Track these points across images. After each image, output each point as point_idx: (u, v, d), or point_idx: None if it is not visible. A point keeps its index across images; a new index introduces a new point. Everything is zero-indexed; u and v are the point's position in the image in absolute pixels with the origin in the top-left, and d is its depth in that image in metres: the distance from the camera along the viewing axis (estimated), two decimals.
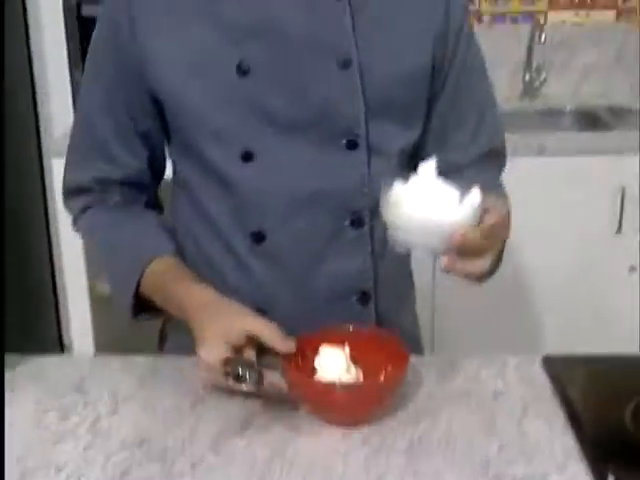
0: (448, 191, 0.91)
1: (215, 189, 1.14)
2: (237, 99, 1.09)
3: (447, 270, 0.94)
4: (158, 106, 1.15)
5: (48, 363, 1.16)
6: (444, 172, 1.16)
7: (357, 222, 1.13)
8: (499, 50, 2.62)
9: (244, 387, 0.95)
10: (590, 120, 2.49)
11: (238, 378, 0.94)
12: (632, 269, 2.24)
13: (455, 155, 1.18)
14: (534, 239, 2.15)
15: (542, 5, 2.61)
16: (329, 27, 1.10)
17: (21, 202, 2.40)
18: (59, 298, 2.58)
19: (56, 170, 2.10)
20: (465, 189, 0.91)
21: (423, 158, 1.16)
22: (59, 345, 2.62)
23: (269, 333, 0.99)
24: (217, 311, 1.03)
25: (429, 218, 0.90)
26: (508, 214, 0.98)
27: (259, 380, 0.94)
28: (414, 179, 0.92)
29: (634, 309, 2.22)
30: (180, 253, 1.17)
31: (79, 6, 2.17)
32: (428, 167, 0.92)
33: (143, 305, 1.14)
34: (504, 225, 0.96)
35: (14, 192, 2.27)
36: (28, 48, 2.53)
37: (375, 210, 1.04)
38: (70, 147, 1.23)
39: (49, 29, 2.30)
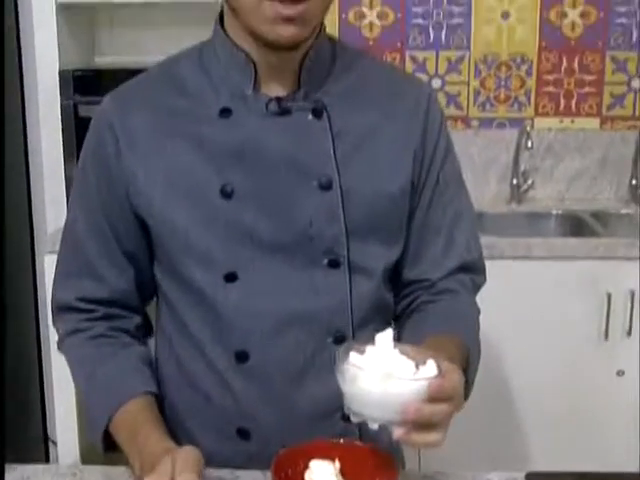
0: (404, 363, 0.92)
1: (198, 308, 1.15)
2: (221, 221, 1.12)
3: (401, 441, 0.94)
4: (144, 227, 1.17)
5: (33, 472, 1.14)
6: (418, 287, 1.19)
7: (340, 339, 1.13)
8: (488, 154, 2.69)
9: None
10: (576, 225, 2.53)
11: None
12: (620, 373, 2.25)
13: (429, 269, 1.20)
14: (519, 344, 2.18)
15: (529, 112, 2.68)
16: (310, 150, 1.13)
17: (12, 297, 2.40)
18: (46, 393, 2.55)
19: (48, 266, 2.11)
20: (421, 360, 0.92)
21: (399, 272, 1.20)
22: (43, 441, 2.59)
23: None
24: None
25: (385, 392, 0.90)
26: (463, 382, 0.98)
27: None
28: (370, 350, 0.93)
29: (626, 414, 2.22)
30: (160, 381, 1.18)
31: (76, 107, 2.22)
32: (385, 337, 0.93)
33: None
34: (458, 396, 0.95)
35: (5, 287, 2.27)
36: (25, 145, 2.58)
37: (358, 326, 1.06)
38: (57, 264, 1.24)
39: (45, 127, 2.34)
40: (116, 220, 1.17)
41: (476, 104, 2.69)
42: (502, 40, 2.64)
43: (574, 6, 2.61)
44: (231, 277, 1.12)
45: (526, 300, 2.18)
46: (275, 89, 1.13)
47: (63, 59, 2.33)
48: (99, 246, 1.18)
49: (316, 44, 1.14)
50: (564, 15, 2.62)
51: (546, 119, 2.69)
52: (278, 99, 1.13)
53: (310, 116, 1.13)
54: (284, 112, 1.13)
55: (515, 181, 2.65)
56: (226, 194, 1.11)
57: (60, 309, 1.23)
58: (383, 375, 0.90)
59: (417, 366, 0.92)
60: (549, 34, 2.63)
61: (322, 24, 1.15)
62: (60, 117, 2.24)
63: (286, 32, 1.05)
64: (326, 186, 1.12)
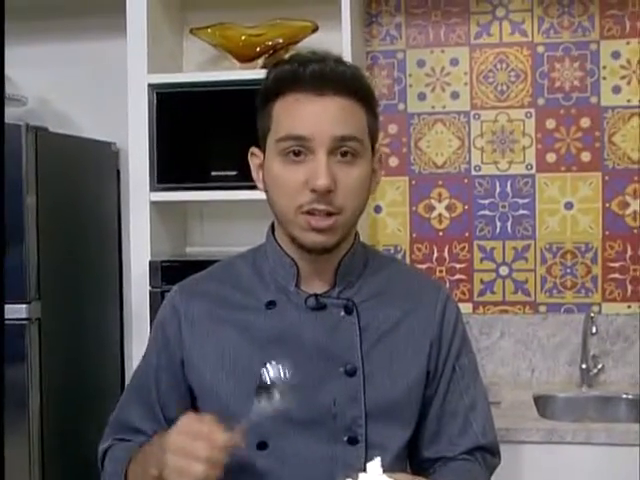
0: None
1: (231, 471, 1.27)
2: None
3: None
4: (191, 396, 1.33)
5: None
6: (434, 464, 1.30)
7: None
8: (557, 338, 2.75)
9: None
10: None
11: None
12: None
13: (446, 448, 1.31)
14: None
15: (596, 297, 2.76)
16: (340, 341, 1.28)
17: None
18: None
19: None
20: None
21: (417, 451, 1.31)
22: None
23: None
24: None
25: None
26: None
27: None
28: (362, 476, 1.04)
29: None
30: None
31: (162, 294, 2.44)
32: (375, 465, 1.05)
33: None
34: None
35: None
36: (122, 329, 2.83)
37: None
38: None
39: (136, 315, 2.56)
40: (165, 387, 1.35)
41: (543, 290, 2.79)
42: (566, 229, 2.77)
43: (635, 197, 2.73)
44: (262, 445, 1.26)
45: None
46: (314, 286, 1.32)
47: (155, 249, 2.56)
48: (143, 410, 1.37)
49: (351, 251, 1.33)
50: (626, 205, 2.73)
51: (614, 304, 2.75)
52: (316, 295, 1.30)
53: (342, 312, 1.30)
54: (320, 307, 1.30)
55: (584, 365, 2.69)
56: None
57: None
58: None
59: None
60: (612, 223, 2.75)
61: (357, 235, 1.35)
62: (148, 304, 2.46)
63: (318, 240, 1.24)
64: (351, 373, 1.27)
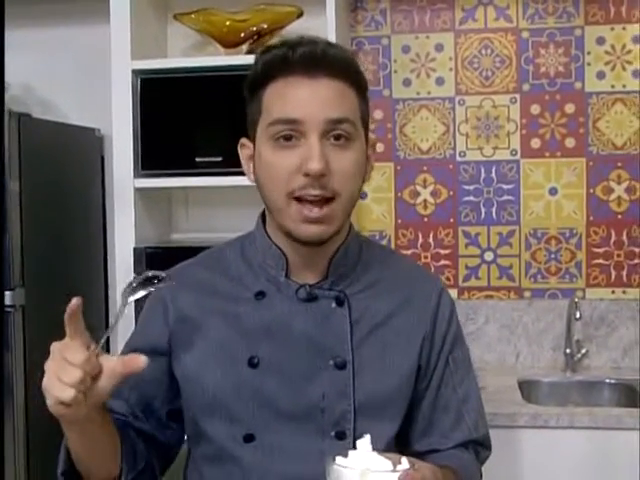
0: (381, 461, 1.04)
1: (216, 462, 1.28)
2: (246, 388, 1.24)
3: None
4: (175, 389, 1.31)
5: None
6: (426, 457, 1.28)
7: None
8: (541, 324, 2.77)
9: None
10: (629, 395, 2.55)
11: None
12: None
13: (438, 441, 1.30)
14: None
15: (580, 283, 2.77)
16: (330, 333, 1.26)
17: None
18: None
19: None
20: (397, 461, 1.04)
21: (409, 445, 1.30)
22: None
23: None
24: None
25: None
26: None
27: None
28: (352, 453, 1.05)
29: None
30: None
31: None
32: (364, 442, 1.05)
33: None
34: None
35: None
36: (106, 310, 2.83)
37: None
38: None
39: None
40: (152, 375, 1.29)
41: (528, 276, 2.80)
42: (551, 214, 2.78)
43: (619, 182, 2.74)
44: (249, 438, 1.24)
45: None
46: (305, 277, 1.29)
47: (140, 236, 2.55)
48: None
49: (345, 243, 1.30)
50: (611, 191, 2.75)
51: (598, 289, 2.77)
52: (308, 286, 1.27)
53: (334, 304, 1.27)
54: (311, 299, 1.27)
55: (568, 350, 2.70)
56: (253, 364, 1.25)
57: None
58: (362, 471, 1.01)
59: (394, 465, 1.03)
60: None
61: (351, 225, 1.32)
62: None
63: (311, 231, 1.20)
64: (341, 366, 1.24)
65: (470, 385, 1.35)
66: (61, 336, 1.34)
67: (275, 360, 1.25)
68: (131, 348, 1.32)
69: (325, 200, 1.19)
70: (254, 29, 2.59)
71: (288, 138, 1.19)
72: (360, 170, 1.24)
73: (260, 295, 1.28)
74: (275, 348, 1.25)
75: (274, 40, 2.03)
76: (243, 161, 1.31)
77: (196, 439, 1.31)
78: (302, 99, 1.19)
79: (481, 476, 1.36)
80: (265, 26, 2.59)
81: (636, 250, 2.75)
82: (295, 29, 2.54)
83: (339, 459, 1.04)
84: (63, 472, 1.22)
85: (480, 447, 1.36)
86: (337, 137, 1.20)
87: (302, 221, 1.19)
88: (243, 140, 1.30)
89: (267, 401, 1.24)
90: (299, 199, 1.19)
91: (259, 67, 1.24)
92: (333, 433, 1.24)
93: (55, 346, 1.08)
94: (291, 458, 1.23)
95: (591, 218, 2.76)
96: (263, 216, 1.33)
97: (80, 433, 1.15)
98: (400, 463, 1.04)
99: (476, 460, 1.35)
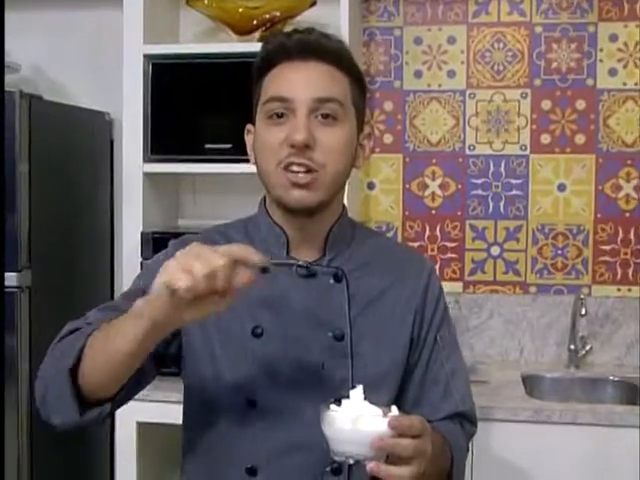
0: (373, 409, 1.10)
1: (216, 426, 1.32)
2: (249, 356, 1.30)
3: (372, 473, 1.08)
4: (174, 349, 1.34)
5: None
6: None
7: (337, 471, 1.29)
8: (546, 319, 2.77)
9: None
10: (632, 392, 2.55)
11: None
12: None
13: (428, 412, 1.34)
14: None
15: (586, 279, 2.77)
16: (329, 307, 1.33)
17: None
18: None
19: None
20: (388, 410, 1.11)
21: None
22: None
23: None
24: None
25: (356, 430, 1.08)
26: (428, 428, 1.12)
27: None
28: (346, 402, 1.11)
29: None
30: None
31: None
32: (357, 392, 1.12)
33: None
34: (420, 433, 1.09)
35: None
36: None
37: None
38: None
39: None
40: None
41: (534, 271, 2.80)
42: (558, 210, 2.77)
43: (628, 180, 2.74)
44: (251, 404, 1.29)
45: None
46: (304, 254, 1.36)
47: (147, 221, 2.56)
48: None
49: (339, 223, 1.37)
50: (619, 188, 2.74)
51: (604, 286, 2.77)
52: (306, 264, 1.34)
53: (332, 280, 1.35)
54: (310, 275, 1.34)
55: (573, 346, 2.71)
56: (256, 334, 1.31)
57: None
58: (355, 417, 1.08)
59: (385, 413, 1.10)
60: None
61: (344, 208, 1.39)
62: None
63: (299, 195, 1.27)
64: (339, 337, 1.31)
65: (457, 362, 1.43)
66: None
67: (277, 330, 1.31)
68: (129, 293, 1.35)
69: (310, 170, 1.27)
70: (267, 17, 2.58)
71: (280, 116, 1.29)
72: (347, 150, 1.32)
73: (262, 270, 1.31)
74: (277, 319, 1.32)
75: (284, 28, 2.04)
76: (248, 145, 1.39)
77: (193, 405, 1.36)
78: (293, 80, 1.29)
79: (468, 450, 1.44)
80: (278, 14, 2.58)
81: None
82: (308, 18, 2.54)
83: (333, 407, 1.11)
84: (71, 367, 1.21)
85: (466, 421, 1.42)
86: (325, 116, 1.29)
87: (290, 186, 1.27)
88: (249, 126, 1.39)
89: (270, 369, 1.30)
90: (287, 168, 1.27)
91: (260, 56, 1.35)
92: (332, 400, 1.28)
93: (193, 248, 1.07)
94: (291, 423, 1.29)
95: (599, 215, 2.76)
96: (264, 199, 1.41)
97: (141, 332, 1.11)
98: (390, 412, 1.11)
99: (464, 433, 1.41)
